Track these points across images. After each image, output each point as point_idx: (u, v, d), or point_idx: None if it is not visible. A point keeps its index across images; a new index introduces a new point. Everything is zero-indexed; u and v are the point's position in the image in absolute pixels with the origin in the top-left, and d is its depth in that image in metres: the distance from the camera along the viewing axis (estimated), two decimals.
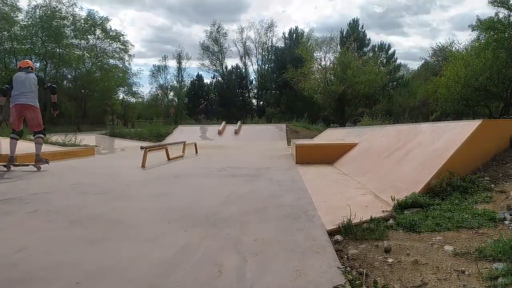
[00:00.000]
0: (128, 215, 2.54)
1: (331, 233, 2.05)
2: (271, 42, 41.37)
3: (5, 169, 5.22)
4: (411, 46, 64.29)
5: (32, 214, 2.59)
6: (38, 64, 31.27)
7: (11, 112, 5.37)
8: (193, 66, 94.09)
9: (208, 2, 60.35)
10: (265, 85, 39.15)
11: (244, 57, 42.35)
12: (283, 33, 43.67)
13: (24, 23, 28.60)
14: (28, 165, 5.30)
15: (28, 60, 6.31)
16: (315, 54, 25.98)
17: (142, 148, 6.02)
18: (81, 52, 32.40)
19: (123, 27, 74.81)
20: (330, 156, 5.89)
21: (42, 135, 5.56)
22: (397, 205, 2.53)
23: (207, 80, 45.02)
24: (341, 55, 23.69)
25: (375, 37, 72.64)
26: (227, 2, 60.66)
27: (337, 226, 2.10)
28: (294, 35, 38.44)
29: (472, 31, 21.79)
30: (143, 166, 5.66)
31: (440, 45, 32.19)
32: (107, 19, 33.82)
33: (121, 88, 35.85)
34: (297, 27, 43.12)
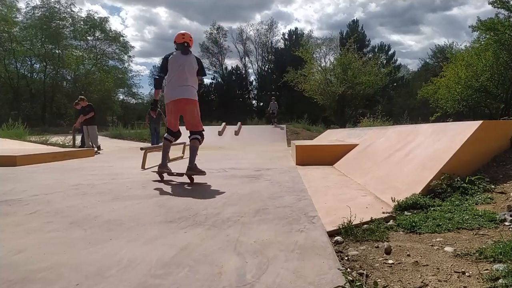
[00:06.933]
0: (127, 216, 2.54)
1: (331, 234, 2.05)
2: (271, 43, 41.29)
3: (159, 178, 4.28)
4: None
5: (32, 215, 2.59)
6: (37, 65, 31.25)
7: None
8: None
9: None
10: (265, 86, 39.16)
11: (244, 58, 42.34)
12: (282, 34, 43.80)
13: (23, 24, 28.58)
14: (182, 174, 4.20)
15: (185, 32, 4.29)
16: (315, 55, 26.00)
17: (142, 149, 6.02)
18: (80, 52, 32.33)
19: (137, 24, 75.10)
20: (330, 157, 5.87)
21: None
22: (397, 206, 2.53)
23: (207, 80, 44.91)
24: (341, 55, 23.72)
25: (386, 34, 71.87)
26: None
27: (337, 227, 2.10)
28: (294, 36, 38.43)
29: (472, 31, 21.83)
30: (143, 167, 5.66)
31: (439, 46, 32.21)
32: (106, 20, 33.80)
33: (121, 89, 35.82)
34: (297, 28, 43.23)
